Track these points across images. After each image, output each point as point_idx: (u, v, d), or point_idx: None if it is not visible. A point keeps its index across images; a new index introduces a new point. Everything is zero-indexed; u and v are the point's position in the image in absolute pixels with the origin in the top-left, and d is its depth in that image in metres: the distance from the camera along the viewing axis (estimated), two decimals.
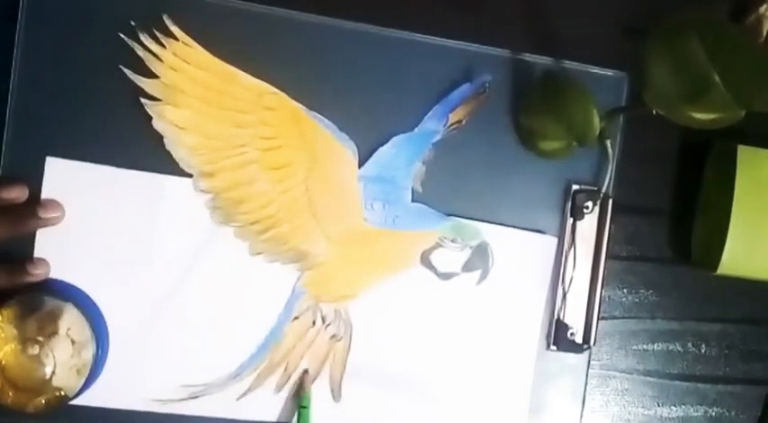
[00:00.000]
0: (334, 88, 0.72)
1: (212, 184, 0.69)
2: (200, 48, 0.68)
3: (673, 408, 0.83)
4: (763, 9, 0.73)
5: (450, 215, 0.74)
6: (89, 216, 0.68)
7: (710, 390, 0.83)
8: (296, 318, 0.72)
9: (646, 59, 0.62)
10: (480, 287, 0.75)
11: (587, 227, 0.77)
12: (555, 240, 0.77)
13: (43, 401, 0.64)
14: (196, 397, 0.71)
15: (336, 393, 0.73)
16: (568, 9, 0.79)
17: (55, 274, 0.68)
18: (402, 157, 0.73)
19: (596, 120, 0.70)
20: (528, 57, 0.76)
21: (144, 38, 0.67)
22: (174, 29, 0.67)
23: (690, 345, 0.83)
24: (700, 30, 0.59)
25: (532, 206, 0.76)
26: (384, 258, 0.74)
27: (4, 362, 0.63)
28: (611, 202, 0.77)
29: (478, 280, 0.75)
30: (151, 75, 0.67)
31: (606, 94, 0.76)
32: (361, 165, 0.72)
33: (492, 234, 0.75)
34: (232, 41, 0.69)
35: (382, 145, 0.73)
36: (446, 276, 0.74)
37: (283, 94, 0.70)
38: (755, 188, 0.77)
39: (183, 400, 0.71)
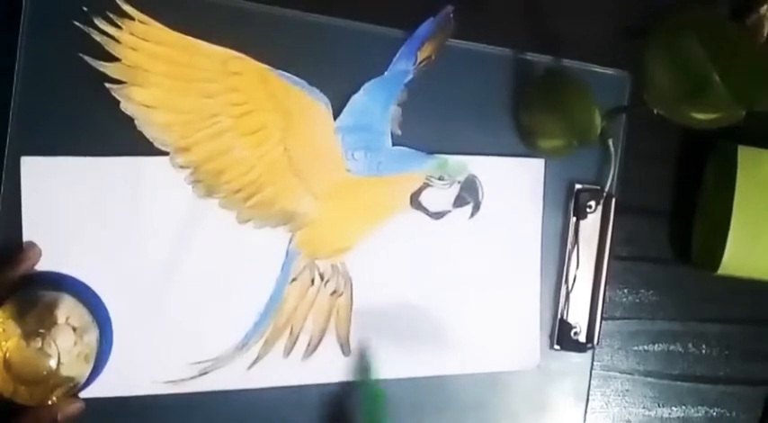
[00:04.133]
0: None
1: (190, 158, 0.74)
2: (156, 24, 0.72)
3: (673, 408, 0.88)
4: (763, 9, 0.77)
5: (433, 153, 0.79)
6: (73, 209, 0.73)
7: (711, 390, 0.88)
8: (294, 279, 0.77)
9: (646, 59, 0.66)
10: (474, 221, 0.80)
11: (590, 226, 0.82)
12: (542, 162, 0.82)
13: (58, 392, 0.69)
14: (206, 373, 0.76)
15: (346, 348, 0.79)
16: (570, 8, 0.83)
17: (47, 268, 0.73)
18: (376, 102, 0.77)
19: (597, 119, 0.74)
20: (529, 56, 0.80)
21: (99, 22, 0.70)
22: (128, 8, 0.71)
23: (690, 345, 0.88)
24: (700, 29, 0.63)
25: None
26: (373, 206, 0.79)
27: (10, 360, 0.68)
28: (614, 201, 0.82)
29: (471, 214, 0.80)
30: (112, 58, 0.71)
31: (608, 94, 0.81)
32: (336, 116, 0.76)
33: (478, 166, 0.79)
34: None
35: (354, 93, 0.77)
36: (438, 215, 0.79)
37: (248, 58, 0.74)
38: (756, 188, 0.81)
39: (194, 377, 0.76)
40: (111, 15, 0.71)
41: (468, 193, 0.80)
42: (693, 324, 0.88)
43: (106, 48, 0.71)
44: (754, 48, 0.70)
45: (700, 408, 0.88)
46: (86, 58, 0.71)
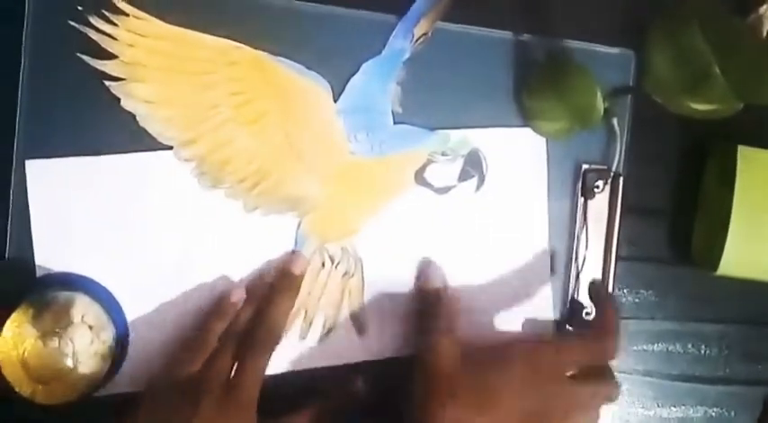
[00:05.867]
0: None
1: (194, 150, 0.75)
2: (152, 19, 0.73)
3: (673, 408, 0.88)
4: (762, 9, 0.77)
5: (434, 129, 0.80)
6: (81, 209, 0.75)
7: (710, 390, 0.88)
8: None
9: (647, 48, 0.67)
10: (480, 194, 0.81)
11: (598, 206, 0.82)
12: None
13: (76, 390, 0.71)
14: None
15: (360, 328, 0.81)
16: None
17: (60, 269, 0.75)
18: (375, 82, 0.78)
19: (599, 103, 0.74)
20: (532, 37, 0.81)
21: (94, 20, 0.71)
22: (123, 5, 0.72)
23: (690, 345, 0.88)
24: (702, 20, 0.63)
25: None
26: (379, 186, 0.80)
27: (28, 360, 0.70)
28: (621, 180, 0.82)
29: (477, 187, 0.81)
30: (110, 56, 0.72)
31: (613, 73, 0.82)
32: (336, 99, 0.78)
33: (480, 138, 0.80)
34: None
35: (353, 75, 0.78)
36: (444, 190, 0.81)
37: (245, 47, 0.75)
38: (756, 189, 0.81)
39: None
40: (106, 13, 0.72)
41: (473, 167, 0.81)
42: (693, 324, 0.88)
43: (103, 46, 0.72)
44: (756, 43, 0.70)
45: (699, 408, 0.89)
46: (84, 57, 0.72)
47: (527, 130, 0.82)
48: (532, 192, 0.83)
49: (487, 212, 0.82)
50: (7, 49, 0.74)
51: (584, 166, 0.83)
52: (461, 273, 0.82)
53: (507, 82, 0.82)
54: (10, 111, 0.74)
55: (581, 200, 0.83)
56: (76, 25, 0.72)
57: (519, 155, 0.83)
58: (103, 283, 0.75)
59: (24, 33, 0.73)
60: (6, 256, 0.75)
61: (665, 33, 0.67)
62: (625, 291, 0.87)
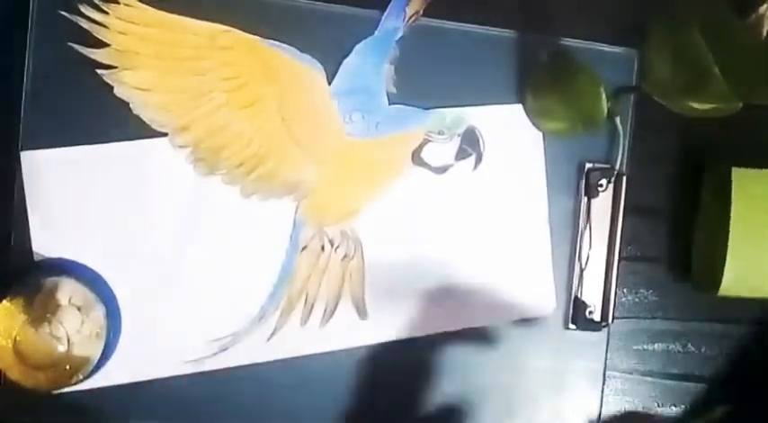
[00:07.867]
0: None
1: (188, 137, 0.76)
2: (143, 6, 0.74)
3: (673, 408, 0.88)
4: (762, 9, 0.76)
5: (430, 108, 0.80)
6: (78, 199, 0.75)
7: (710, 390, 0.88)
8: (304, 248, 0.80)
9: (647, 48, 0.68)
10: (478, 172, 0.82)
11: (602, 205, 0.83)
12: None
13: (77, 373, 0.72)
14: (226, 349, 0.79)
15: (362, 311, 0.81)
16: None
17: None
18: (369, 62, 0.79)
19: (603, 105, 0.74)
20: (535, 36, 0.81)
21: (85, 9, 0.72)
22: None
23: (690, 345, 0.88)
24: (701, 21, 0.64)
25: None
26: (376, 168, 0.81)
27: (23, 350, 0.71)
28: (625, 179, 0.82)
29: (474, 165, 0.81)
30: (101, 44, 0.73)
31: (616, 72, 0.82)
32: (330, 81, 0.78)
33: (476, 116, 0.81)
34: None
35: (346, 56, 0.79)
36: (442, 170, 0.81)
37: (237, 31, 0.76)
38: (752, 209, 0.80)
39: (215, 354, 0.78)
40: (96, 1, 0.73)
41: (470, 145, 0.81)
42: (693, 324, 0.88)
43: (95, 34, 0.73)
44: (756, 43, 0.70)
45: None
46: (75, 46, 0.73)
47: (522, 106, 0.83)
48: (530, 168, 0.83)
49: (486, 191, 0.83)
50: (11, 45, 0.75)
51: (588, 165, 0.83)
52: (460, 252, 0.83)
53: (510, 81, 0.82)
54: (14, 105, 0.75)
55: (584, 199, 0.83)
56: (67, 15, 0.73)
57: (516, 131, 0.83)
58: (103, 272, 0.76)
59: (29, 28, 0.74)
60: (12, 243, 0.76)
61: (664, 33, 0.67)
62: (625, 291, 0.87)
